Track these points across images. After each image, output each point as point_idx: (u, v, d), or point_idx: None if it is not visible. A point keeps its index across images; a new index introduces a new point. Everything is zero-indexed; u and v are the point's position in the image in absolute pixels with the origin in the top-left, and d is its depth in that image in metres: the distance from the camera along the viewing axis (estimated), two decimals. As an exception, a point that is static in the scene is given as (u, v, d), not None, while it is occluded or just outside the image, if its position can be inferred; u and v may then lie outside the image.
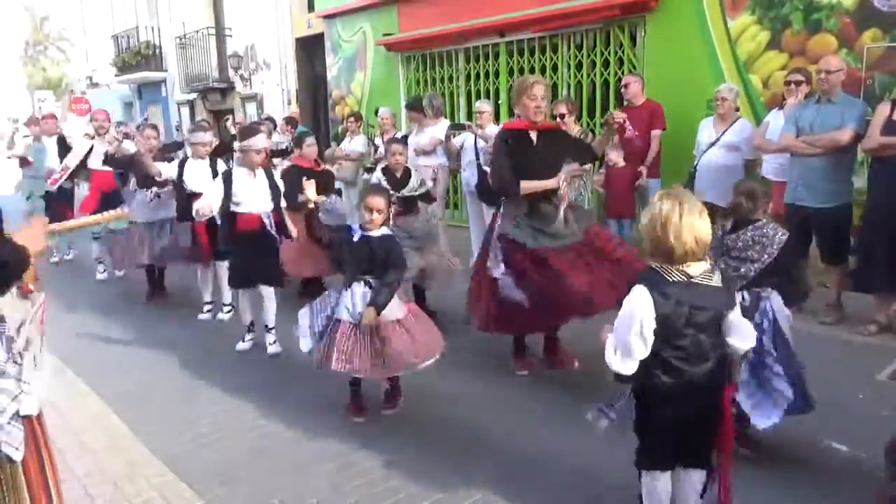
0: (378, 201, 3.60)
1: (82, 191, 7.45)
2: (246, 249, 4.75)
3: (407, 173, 5.15)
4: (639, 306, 2.18)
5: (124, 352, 5.13)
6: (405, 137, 7.74)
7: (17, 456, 1.89)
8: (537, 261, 3.92)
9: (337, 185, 8.26)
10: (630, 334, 2.18)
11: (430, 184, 5.59)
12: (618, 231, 6.43)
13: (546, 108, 3.93)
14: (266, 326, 4.91)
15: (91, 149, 7.15)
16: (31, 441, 1.96)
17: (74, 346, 5.05)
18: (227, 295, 5.83)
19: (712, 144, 5.63)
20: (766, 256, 3.01)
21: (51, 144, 8.02)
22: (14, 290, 2.01)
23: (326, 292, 3.75)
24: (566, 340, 4.42)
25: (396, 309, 3.62)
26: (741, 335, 2.32)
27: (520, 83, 3.99)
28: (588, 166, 5.79)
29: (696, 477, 2.43)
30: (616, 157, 6.10)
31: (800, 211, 4.82)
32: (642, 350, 2.19)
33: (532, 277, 3.90)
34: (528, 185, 3.93)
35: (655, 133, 6.25)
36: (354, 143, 8.25)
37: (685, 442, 2.35)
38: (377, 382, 3.84)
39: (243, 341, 5.01)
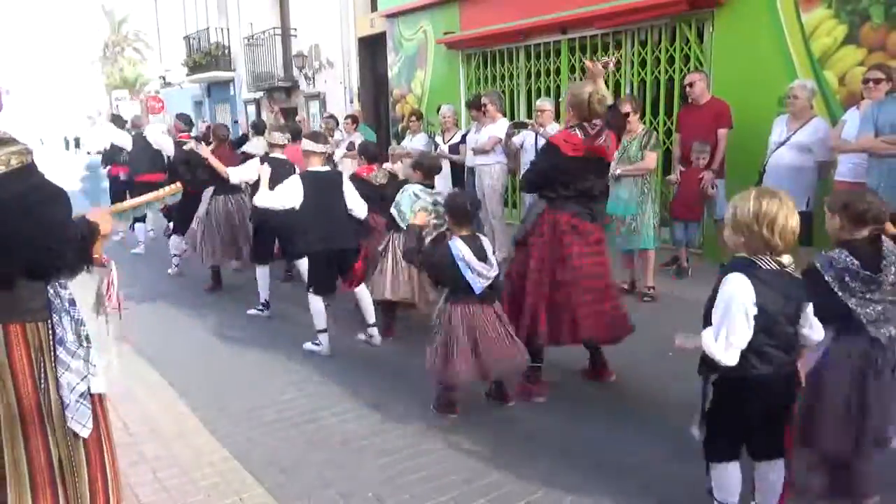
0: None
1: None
2: (329, 255, 4.79)
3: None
4: (740, 292, 2.22)
5: (193, 343, 5.34)
6: (464, 136, 7.78)
7: (85, 433, 2.00)
8: None
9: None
10: (736, 321, 2.21)
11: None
12: (683, 233, 6.27)
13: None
14: (368, 323, 4.98)
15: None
16: (92, 419, 2.05)
17: (146, 337, 5.28)
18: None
19: (781, 144, 5.42)
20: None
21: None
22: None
23: (440, 307, 3.67)
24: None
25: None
26: (815, 328, 2.39)
27: None
28: (651, 164, 5.68)
29: (780, 465, 2.45)
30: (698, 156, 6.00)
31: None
32: (747, 335, 2.23)
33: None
34: None
35: (722, 132, 6.07)
36: (416, 142, 8.33)
37: (766, 432, 2.41)
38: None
39: (313, 343, 4.94)
